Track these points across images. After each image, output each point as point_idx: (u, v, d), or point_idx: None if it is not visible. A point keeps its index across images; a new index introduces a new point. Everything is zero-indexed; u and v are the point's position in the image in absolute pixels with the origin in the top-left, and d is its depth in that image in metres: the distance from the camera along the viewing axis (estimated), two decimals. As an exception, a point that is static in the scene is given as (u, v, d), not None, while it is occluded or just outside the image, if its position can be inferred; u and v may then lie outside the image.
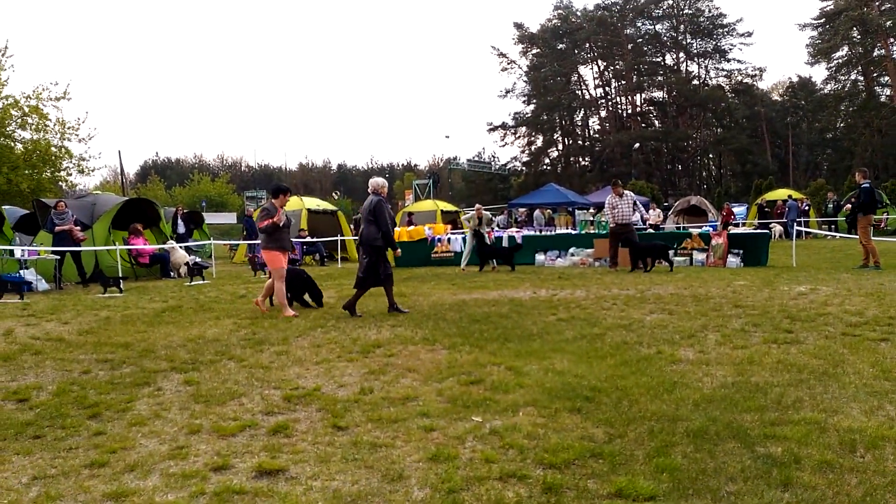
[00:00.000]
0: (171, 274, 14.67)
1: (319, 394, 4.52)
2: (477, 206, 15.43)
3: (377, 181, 8.40)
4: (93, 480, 3.13)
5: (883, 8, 52.71)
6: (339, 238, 19.44)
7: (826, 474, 2.96)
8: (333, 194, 55.57)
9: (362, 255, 8.18)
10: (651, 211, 27.70)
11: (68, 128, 22.20)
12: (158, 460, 3.37)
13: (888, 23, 52.32)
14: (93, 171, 34.54)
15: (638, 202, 13.72)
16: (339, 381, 4.86)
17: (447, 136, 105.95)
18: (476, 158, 68.50)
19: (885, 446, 3.25)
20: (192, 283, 12.86)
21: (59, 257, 12.80)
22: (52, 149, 22.06)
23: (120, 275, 12.31)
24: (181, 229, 18.83)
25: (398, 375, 4.96)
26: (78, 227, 13.31)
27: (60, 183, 23.06)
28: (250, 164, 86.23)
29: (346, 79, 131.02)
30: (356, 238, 20.91)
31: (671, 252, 14.13)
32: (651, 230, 23.80)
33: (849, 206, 14.43)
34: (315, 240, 19.61)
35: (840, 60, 57.80)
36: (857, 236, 12.36)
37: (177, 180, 60.82)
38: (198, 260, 14.92)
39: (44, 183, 22.09)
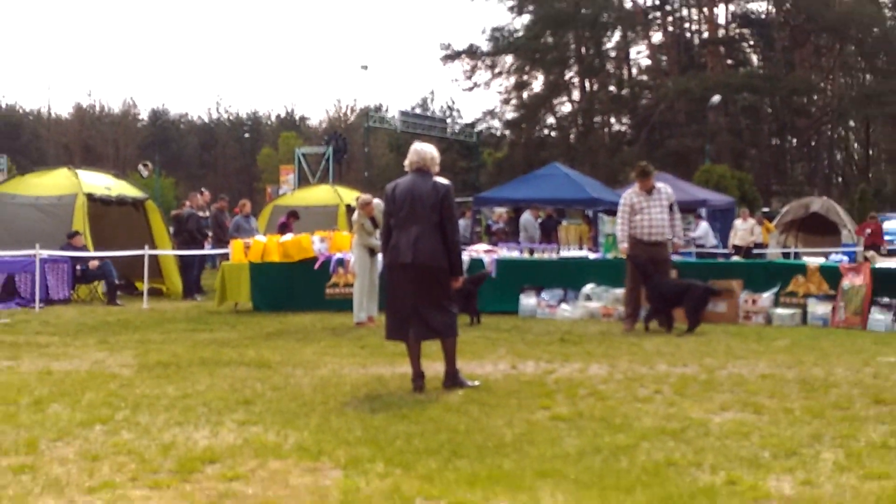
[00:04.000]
0: None
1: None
2: (362, 197, 15.24)
3: (427, 151, 9.03)
4: None
5: None
6: (146, 252, 19.28)
7: None
8: (140, 167, 55.06)
9: (408, 283, 8.73)
10: (740, 222, 28.47)
11: None
12: None
13: None
14: None
15: (676, 205, 14.20)
16: (130, 526, 4.88)
17: (364, 67, 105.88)
18: (418, 111, 69.03)
19: None
20: None
21: None
22: None
23: None
24: None
25: (245, 518, 5.02)
26: None
27: None
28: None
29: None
30: (214, 252, 20.78)
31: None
32: (736, 256, 24.46)
33: None
34: (101, 254, 19.38)
35: None
36: None
37: None
38: None
39: None
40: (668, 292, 13.46)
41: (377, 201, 14.40)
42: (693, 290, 13.49)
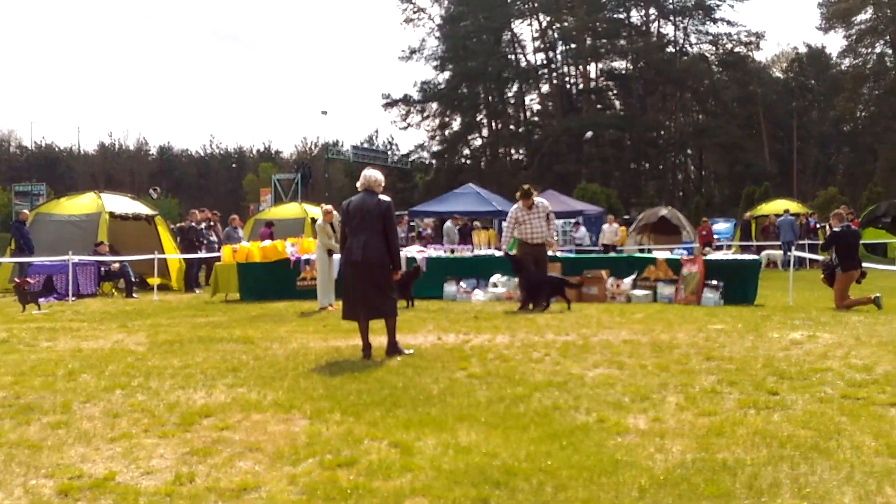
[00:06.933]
0: None
1: (113, 484, 4.49)
2: (325, 206, 15.23)
3: (374, 175, 9.02)
4: None
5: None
6: (156, 256, 19.03)
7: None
8: (151, 191, 54.23)
9: (359, 276, 8.72)
10: (607, 226, 28.81)
11: None
12: None
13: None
14: None
15: (552, 214, 14.39)
16: (144, 465, 4.83)
17: (324, 112, 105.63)
18: (366, 145, 68.81)
19: (878, 541, 3.59)
20: (-75, 322, 12.31)
21: None
22: None
23: None
24: None
25: (234, 456, 4.98)
26: None
27: None
28: (24, 143, 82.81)
29: (176, 23, 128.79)
30: (203, 256, 20.59)
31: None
32: (612, 252, 24.74)
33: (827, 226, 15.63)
34: (120, 258, 19.10)
35: (863, 27, 61.61)
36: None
37: None
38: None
39: None
40: (534, 282, 13.61)
41: (336, 212, 14.38)
42: (550, 280, 13.68)
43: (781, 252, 25.82)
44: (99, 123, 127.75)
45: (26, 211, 22.41)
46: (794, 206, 30.91)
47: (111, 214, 20.39)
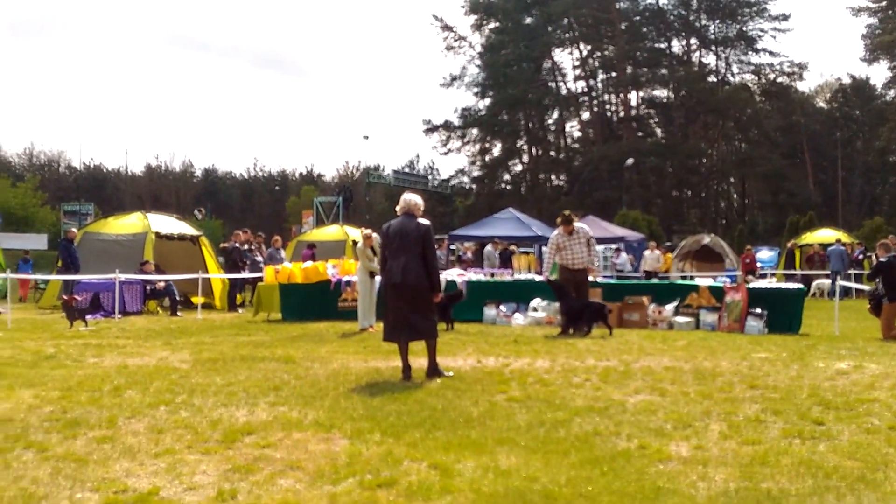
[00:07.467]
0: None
1: (157, 499, 4.52)
2: (364, 231, 15.39)
3: (413, 199, 9.14)
4: None
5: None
6: (200, 276, 19.23)
7: None
8: (196, 212, 54.97)
9: (399, 298, 8.80)
10: (649, 252, 28.61)
11: None
12: None
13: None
14: None
15: (593, 240, 14.37)
16: (187, 481, 4.86)
17: (366, 137, 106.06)
18: (407, 170, 69.25)
19: (929, 576, 3.50)
20: (-24, 336, 12.53)
21: None
22: None
23: None
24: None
25: (275, 474, 4.99)
26: None
27: None
28: (73, 164, 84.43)
29: (221, 49, 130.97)
30: (242, 275, 20.78)
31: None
32: (654, 279, 24.54)
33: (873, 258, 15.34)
34: (165, 277, 19.33)
35: (908, 57, 61.03)
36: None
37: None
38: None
39: None
40: (574, 308, 13.58)
41: (375, 235, 14.48)
42: (591, 306, 13.64)
43: (830, 281, 25.53)
44: (146, 146, 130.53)
45: (74, 230, 22.81)
46: (843, 237, 30.56)
47: (157, 234, 20.74)
